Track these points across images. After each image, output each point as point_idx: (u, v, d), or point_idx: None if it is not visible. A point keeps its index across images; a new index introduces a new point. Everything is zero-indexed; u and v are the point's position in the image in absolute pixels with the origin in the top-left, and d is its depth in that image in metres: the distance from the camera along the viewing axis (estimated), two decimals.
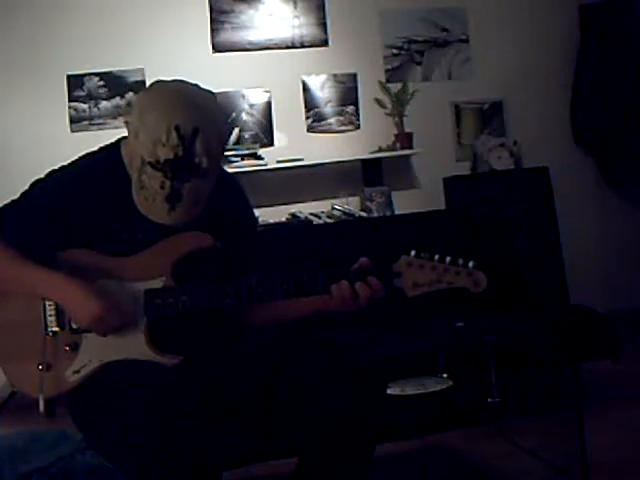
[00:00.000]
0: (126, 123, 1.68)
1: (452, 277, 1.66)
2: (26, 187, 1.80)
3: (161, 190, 1.62)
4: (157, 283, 1.73)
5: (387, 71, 4.91)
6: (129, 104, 4.54)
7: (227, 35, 4.70)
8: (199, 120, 1.61)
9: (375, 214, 4.63)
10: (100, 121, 4.53)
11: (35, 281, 1.71)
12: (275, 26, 4.77)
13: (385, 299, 1.69)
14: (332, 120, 4.83)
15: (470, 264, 1.66)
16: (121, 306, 1.70)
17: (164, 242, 1.76)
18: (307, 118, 4.80)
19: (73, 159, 1.82)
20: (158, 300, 1.72)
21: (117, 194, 1.73)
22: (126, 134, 1.75)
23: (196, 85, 1.71)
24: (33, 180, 1.80)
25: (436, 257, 1.68)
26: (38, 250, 1.73)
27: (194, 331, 1.81)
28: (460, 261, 1.66)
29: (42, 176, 1.80)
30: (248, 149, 4.50)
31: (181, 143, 1.58)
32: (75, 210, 1.73)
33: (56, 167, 1.82)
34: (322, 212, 4.59)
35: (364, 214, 4.61)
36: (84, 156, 1.82)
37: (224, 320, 1.86)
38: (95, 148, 1.84)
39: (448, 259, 1.67)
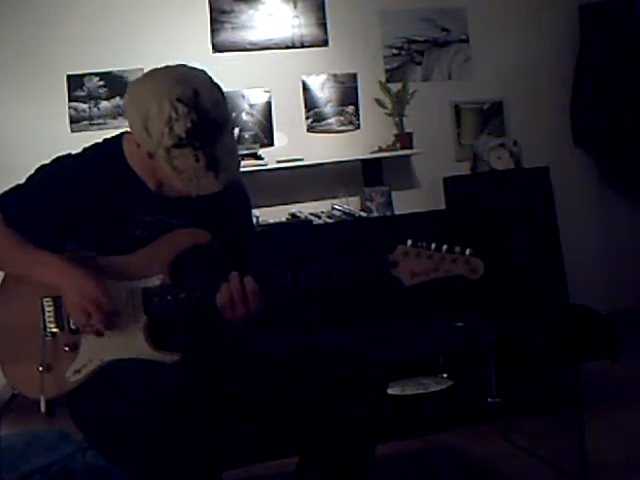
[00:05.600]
0: (128, 124, 1.67)
1: (449, 265, 1.66)
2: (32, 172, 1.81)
3: (197, 163, 1.60)
4: (155, 281, 1.73)
5: (387, 71, 4.91)
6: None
7: (227, 35, 4.70)
8: (193, 82, 1.62)
9: (375, 214, 4.63)
10: (100, 121, 4.53)
11: (34, 263, 1.72)
12: (275, 26, 4.77)
13: (385, 292, 1.69)
14: (332, 120, 4.83)
15: (467, 252, 1.66)
16: (116, 300, 1.70)
17: (161, 240, 1.76)
18: (307, 118, 4.80)
19: (78, 150, 1.83)
20: (156, 298, 1.72)
21: (117, 188, 1.74)
22: (128, 129, 1.76)
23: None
24: (39, 165, 1.81)
25: (433, 246, 1.68)
26: (39, 234, 1.74)
27: (193, 328, 1.81)
28: (457, 249, 1.66)
29: (47, 162, 1.81)
30: (248, 149, 4.50)
31: (190, 109, 1.58)
32: (75, 200, 1.73)
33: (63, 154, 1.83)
34: (322, 212, 4.58)
35: (364, 214, 4.61)
36: (90, 147, 1.83)
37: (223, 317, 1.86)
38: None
39: (445, 247, 1.67)
